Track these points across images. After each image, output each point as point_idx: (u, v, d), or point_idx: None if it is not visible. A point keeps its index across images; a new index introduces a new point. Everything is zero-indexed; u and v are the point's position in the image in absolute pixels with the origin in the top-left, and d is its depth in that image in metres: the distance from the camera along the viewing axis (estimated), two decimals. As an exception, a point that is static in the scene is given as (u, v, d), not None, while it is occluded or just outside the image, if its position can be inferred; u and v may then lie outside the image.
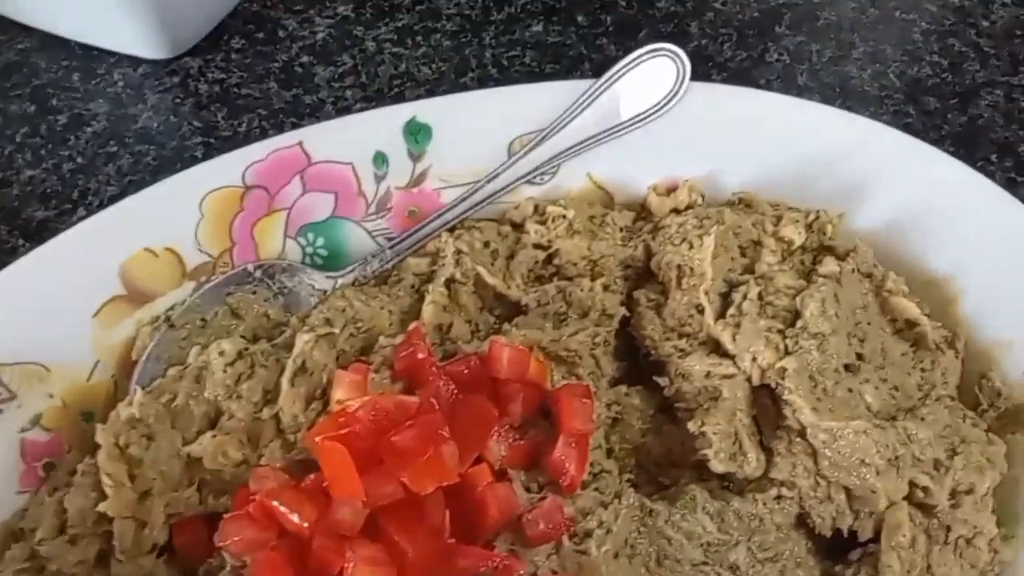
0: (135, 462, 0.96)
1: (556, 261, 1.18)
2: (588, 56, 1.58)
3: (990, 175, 1.27)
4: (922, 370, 1.10)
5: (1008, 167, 1.44)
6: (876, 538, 0.98)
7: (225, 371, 1.02)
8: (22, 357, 1.06)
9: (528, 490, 0.96)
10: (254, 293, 1.15)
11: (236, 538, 0.86)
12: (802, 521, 1.02)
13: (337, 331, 1.07)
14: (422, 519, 0.88)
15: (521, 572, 0.88)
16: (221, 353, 1.03)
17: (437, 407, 0.94)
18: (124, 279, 1.12)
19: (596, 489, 0.99)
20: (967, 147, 1.46)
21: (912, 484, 0.98)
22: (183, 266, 1.14)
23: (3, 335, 1.05)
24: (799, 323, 1.05)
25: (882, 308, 1.13)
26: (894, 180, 1.22)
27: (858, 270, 1.14)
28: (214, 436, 0.98)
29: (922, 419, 1.01)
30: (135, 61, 1.54)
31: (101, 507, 0.93)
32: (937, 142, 1.42)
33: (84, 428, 1.08)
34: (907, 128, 1.45)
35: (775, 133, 1.24)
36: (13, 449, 1.04)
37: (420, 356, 1.01)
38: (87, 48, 1.55)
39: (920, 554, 0.96)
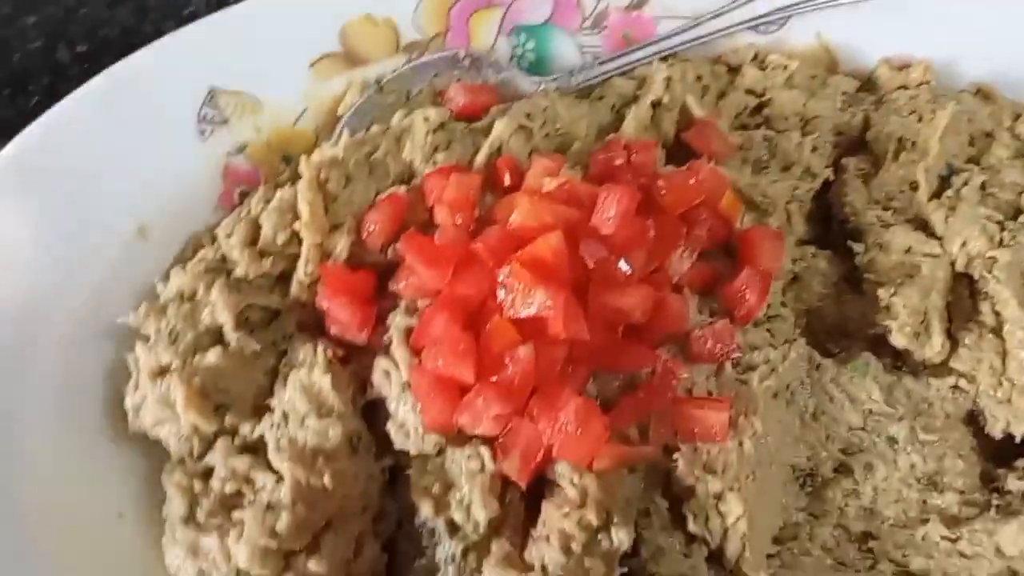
0: (331, 198, 1.00)
1: (766, 112, 1.14)
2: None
3: None
4: None
5: None
6: (1052, 451, 0.93)
7: (426, 137, 1.04)
8: (240, 87, 1.10)
9: (699, 313, 0.95)
10: (459, 80, 1.16)
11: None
12: (973, 418, 0.97)
13: (535, 126, 1.07)
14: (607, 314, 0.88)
15: (682, 375, 0.88)
16: (426, 119, 1.04)
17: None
18: (342, 38, 1.14)
19: (768, 330, 0.97)
20: None
21: (1110, 402, 0.91)
22: (398, 39, 1.16)
23: (227, 63, 1.10)
24: (1021, 219, 0.98)
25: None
26: None
27: (1099, 188, 1.05)
28: (407, 191, 1.00)
29: None
30: None
31: (297, 225, 0.97)
32: None
33: (281, 169, 1.13)
34: None
35: (1032, 31, 1.14)
36: (217, 168, 1.10)
37: (618, 162, 1.00)
38: None
39: (1099, 475, 0.90)
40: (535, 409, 0.85)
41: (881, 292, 0.97)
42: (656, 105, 1.10)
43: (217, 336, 0.96)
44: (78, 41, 1.33)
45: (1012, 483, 0.92)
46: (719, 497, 0.86)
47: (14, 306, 0.99)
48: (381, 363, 0.91)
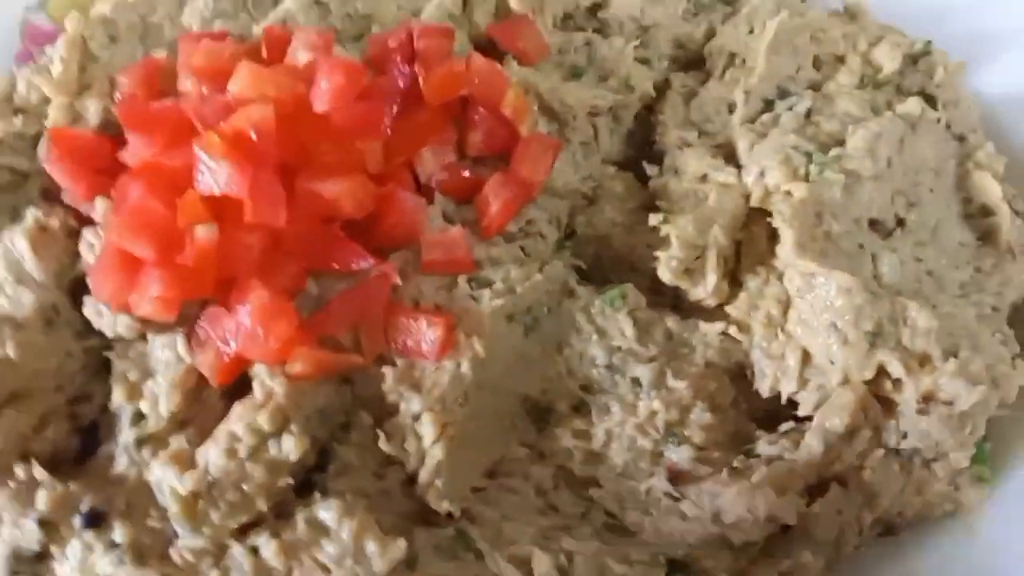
0: (91, 58, 0.93)
1: (602, 15, 1.02)
2: None
3: None
4: (976, 269, 0.89)
5: None
6: (815, 417, 0.82)
7: (207, 4, 0.96)
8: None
9: (450, 223, 0.86)
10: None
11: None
12: (742, 373, 0.86)
13: (333, 4, 0.97)
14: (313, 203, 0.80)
15: (395, 282, 0.80)
16: (211, -11, 0.96)
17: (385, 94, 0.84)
18: None
19: (522, 248, 0.87)
20: None
21: (882, 371, 0.79)
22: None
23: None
24: (833, 151, 0.86)
25: (959, 182, 0.91)
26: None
27: (949, 127, 0.91)
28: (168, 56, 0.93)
29: (935, 307, 0.81)
30: None
31: (44, 84, 0.90)
32: None
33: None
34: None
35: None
36: (15, 24, 1.05)
37: (392, 45, 0.90)
38: None
39: (856, 451, 0.79)
40: (231, 302, 0.79)
41: (652, 218, 0.86)
42: (472, -5, 0.99)
43: (-51, 193, 0.91)
44: None
45: (762, 447, 0.81)
46: (417, 418, 0.79)
47: None
48: (87, 235, 0.85)
